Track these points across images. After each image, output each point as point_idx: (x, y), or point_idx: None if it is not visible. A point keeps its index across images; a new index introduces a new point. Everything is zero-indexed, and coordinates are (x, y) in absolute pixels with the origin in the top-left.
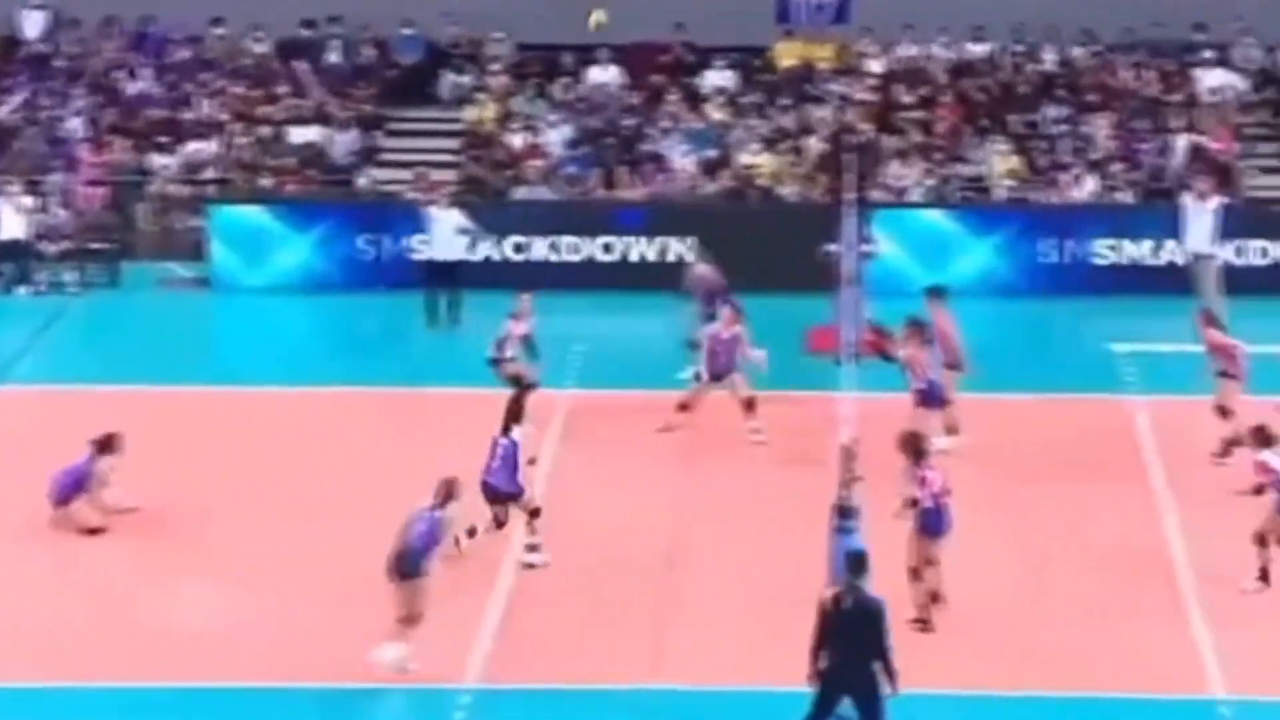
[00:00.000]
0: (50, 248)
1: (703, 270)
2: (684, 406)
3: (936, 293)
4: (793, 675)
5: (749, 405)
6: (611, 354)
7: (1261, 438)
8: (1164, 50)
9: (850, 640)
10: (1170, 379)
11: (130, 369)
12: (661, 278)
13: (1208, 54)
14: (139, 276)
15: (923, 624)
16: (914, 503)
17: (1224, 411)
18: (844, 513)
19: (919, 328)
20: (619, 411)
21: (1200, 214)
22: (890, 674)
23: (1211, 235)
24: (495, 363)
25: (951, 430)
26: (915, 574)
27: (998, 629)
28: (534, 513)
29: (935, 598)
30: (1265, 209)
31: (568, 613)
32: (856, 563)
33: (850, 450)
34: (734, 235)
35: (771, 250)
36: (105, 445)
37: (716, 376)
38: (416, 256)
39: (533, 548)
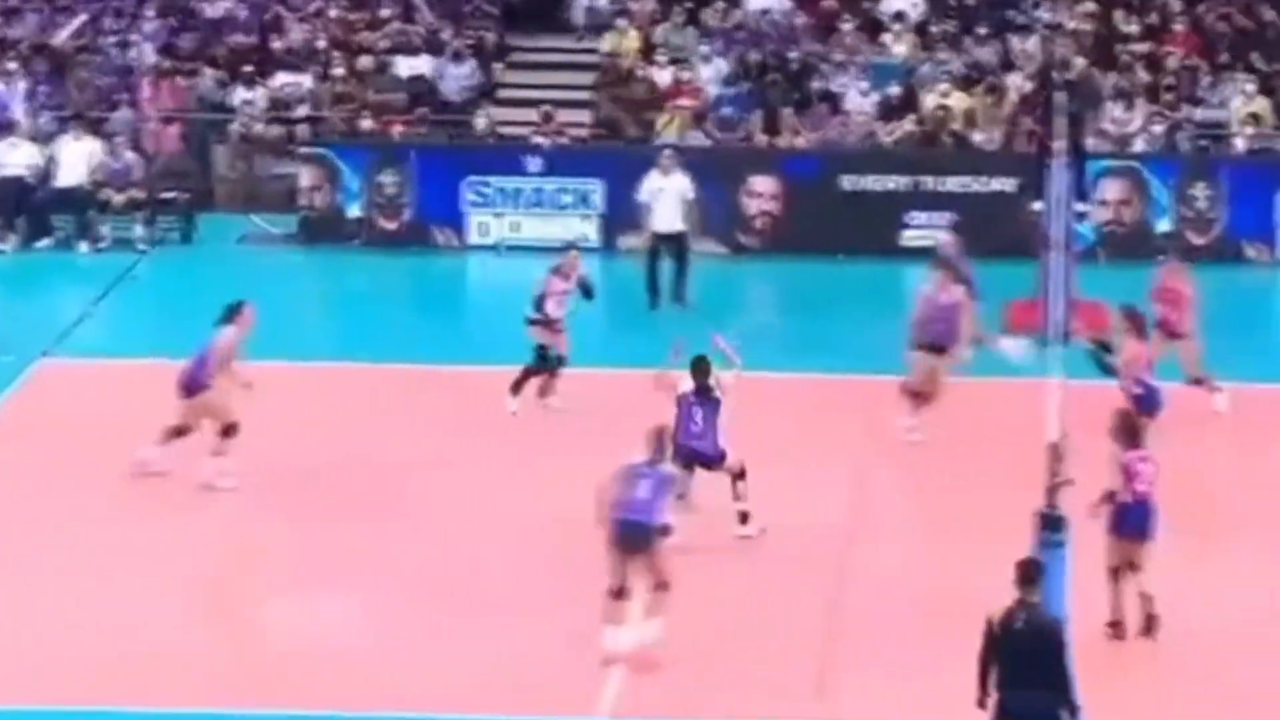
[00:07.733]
0: (115, 196)
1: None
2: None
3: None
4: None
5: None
6: None
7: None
8: None
9: (1021, 666)
10: None
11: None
12: None
13: None
14: (218, 230)
15: (1114, 628)
16: (1111, 497)
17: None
18: (1051, 523)
19: (1136, 320)
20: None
21: None
22: (1071, 709)
23: None
24: (533, 323)
25: None
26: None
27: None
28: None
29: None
30: None
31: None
32: (1026, 572)
33: (1059, 449)
34: None
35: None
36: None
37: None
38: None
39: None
